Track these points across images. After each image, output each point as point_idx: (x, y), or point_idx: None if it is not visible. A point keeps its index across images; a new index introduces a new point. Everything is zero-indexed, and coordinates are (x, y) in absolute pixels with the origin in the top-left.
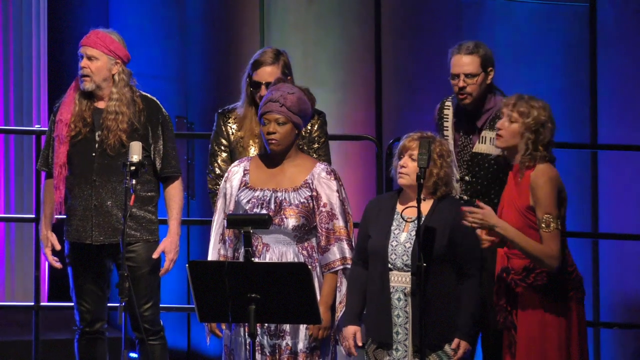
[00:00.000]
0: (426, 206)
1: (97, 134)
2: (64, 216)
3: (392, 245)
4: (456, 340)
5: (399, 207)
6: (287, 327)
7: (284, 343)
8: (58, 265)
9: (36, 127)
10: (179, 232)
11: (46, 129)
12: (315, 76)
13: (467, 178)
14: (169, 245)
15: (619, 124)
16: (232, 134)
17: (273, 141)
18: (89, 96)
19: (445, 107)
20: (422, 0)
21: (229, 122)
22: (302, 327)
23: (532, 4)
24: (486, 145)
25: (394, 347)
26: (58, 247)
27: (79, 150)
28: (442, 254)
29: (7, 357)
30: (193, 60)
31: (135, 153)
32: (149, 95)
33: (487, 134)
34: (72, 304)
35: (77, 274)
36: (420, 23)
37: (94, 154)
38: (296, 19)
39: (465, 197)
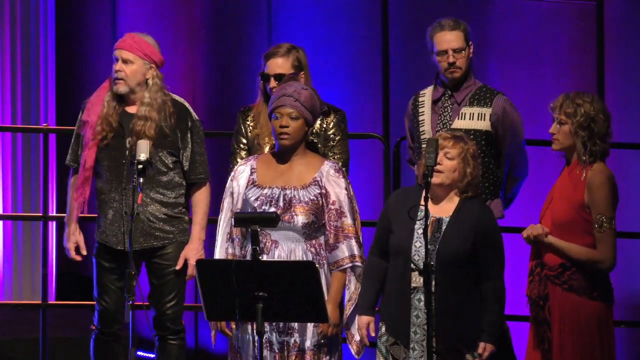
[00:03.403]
0: (452, 205)
1: (127, 140)
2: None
3: (415, 246)
4: (482, 345)
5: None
6: (295, 324)
7: (292, 340)
8: (78, 258)
9: (44, 126)
10: (202, 237)
11: (54, 127)
12: (322, 74)
13: None
14: (189, 253)
15: (626, 122)
16: (250, 131)
17: (285, 135)
18: (119, 99)
19: (420, 96)
20: None
21: (247, 120)
22: (310, 325)
23: (539, 1)
24: (465, 121)
25: (411, 346)
26: (84, 252)
27: (110, 155)
28: (466, 255)
29: (15, 355)
30: (200, 58)
31: (143, 151)
32: (179, 99)
33: (466, 110)
34: (78, 302)
35: (102, 274)
36: (427, 21)
37: (124, 161)
38: (304, 17)
39: None
